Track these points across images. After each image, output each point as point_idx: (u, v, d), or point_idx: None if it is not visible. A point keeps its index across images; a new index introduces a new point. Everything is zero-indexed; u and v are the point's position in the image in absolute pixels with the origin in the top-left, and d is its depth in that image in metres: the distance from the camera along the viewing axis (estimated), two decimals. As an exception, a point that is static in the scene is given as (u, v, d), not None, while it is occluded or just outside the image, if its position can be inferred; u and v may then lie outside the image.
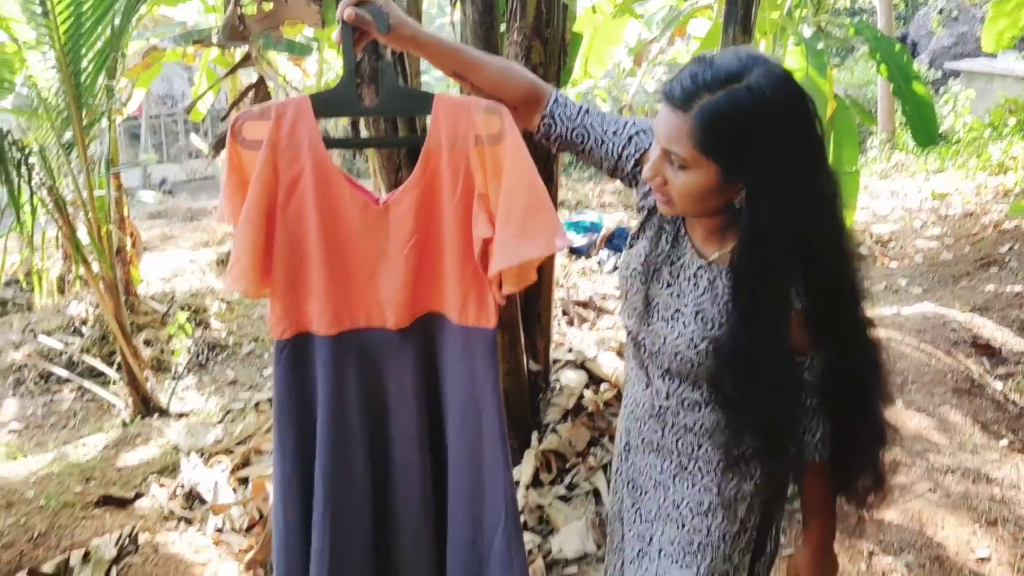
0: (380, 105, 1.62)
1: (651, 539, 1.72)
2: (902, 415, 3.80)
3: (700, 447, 1.59)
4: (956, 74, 14.07)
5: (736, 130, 1.30)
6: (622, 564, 1.81)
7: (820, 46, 6.82)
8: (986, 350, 4.73)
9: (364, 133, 3.10)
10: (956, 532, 2.91)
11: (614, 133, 1.59)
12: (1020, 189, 9.00)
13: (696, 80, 1.31)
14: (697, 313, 1.49)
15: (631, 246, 1.64)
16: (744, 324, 1.39)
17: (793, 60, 6.69)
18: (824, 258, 1.38)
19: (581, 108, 1.61)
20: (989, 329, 5.02)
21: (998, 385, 4.38)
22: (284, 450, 1.66)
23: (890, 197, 10.29)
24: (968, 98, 11.83)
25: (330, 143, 1.61)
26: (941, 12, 17.44)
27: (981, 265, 6.70)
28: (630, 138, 1.57)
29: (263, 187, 1.54)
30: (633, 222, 1.67)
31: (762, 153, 1.30)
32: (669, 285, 1.55)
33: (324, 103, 1.58)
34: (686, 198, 1.39)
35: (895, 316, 5.15)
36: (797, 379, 1.45)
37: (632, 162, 1.57)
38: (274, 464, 1.67)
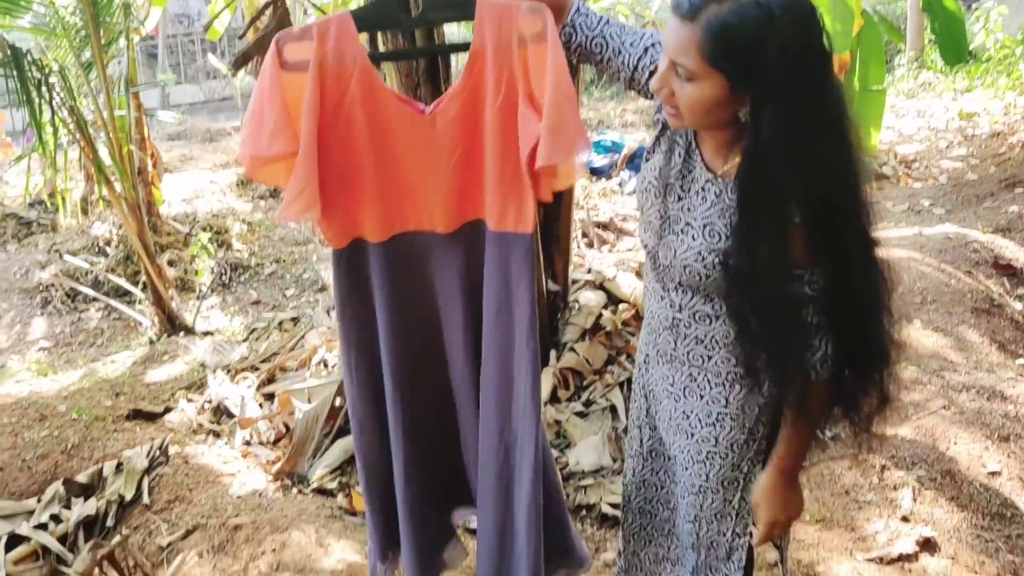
0: (421, 15, 1.62)
1: (668, 445, 1.78)
2: (919, 334, 3.82)
3: (710, 359, 1.62)
4: (989, -11, 13.65)
5: (743, 42, 1.29)
6: (642, 467, 1.88)
7: (848, -40, 6.65)
8: (1007, 270, 4.71)
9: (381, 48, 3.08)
10: (968, 448, 2.95)
11: (631, 44, 1.59)
12: (1050, 108, 8.82)
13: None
14: (705, 226, 1.50)
15: (647, 160, 1.66)
16: (745, 237, 1.40)
17: (820, -26, 6.53)
18: (826, 174, 1.36)
19: (601, 18, 1.62)
20: (1011, 250, 4.98)
21: (1017, 305, 4.37)
22: (348, 343, 1.79)
23: (916, 117, 10.11)
24: (1000, 15, 11.47)
25: (375, 57, 1.61)
26: (976, -76, 16.84)
27: (1006, 186, 6.61)
28: (646, 49, 1.57)
29: (314, 108, 1.54)
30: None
31: (768, 66, 1.29)
32: (680, 199, 1.56)
33: (365, 18, 1.59)
34: (693, 110, 1.39)
35: (917, 236, 5.12)
36: (796, 293, 1.43)
37: (647, 73, 1.56)
38: (340, 354, 1.84)
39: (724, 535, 1.73)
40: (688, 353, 1.64)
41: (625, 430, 2.14)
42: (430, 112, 1.63)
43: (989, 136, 8.57)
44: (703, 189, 1.52)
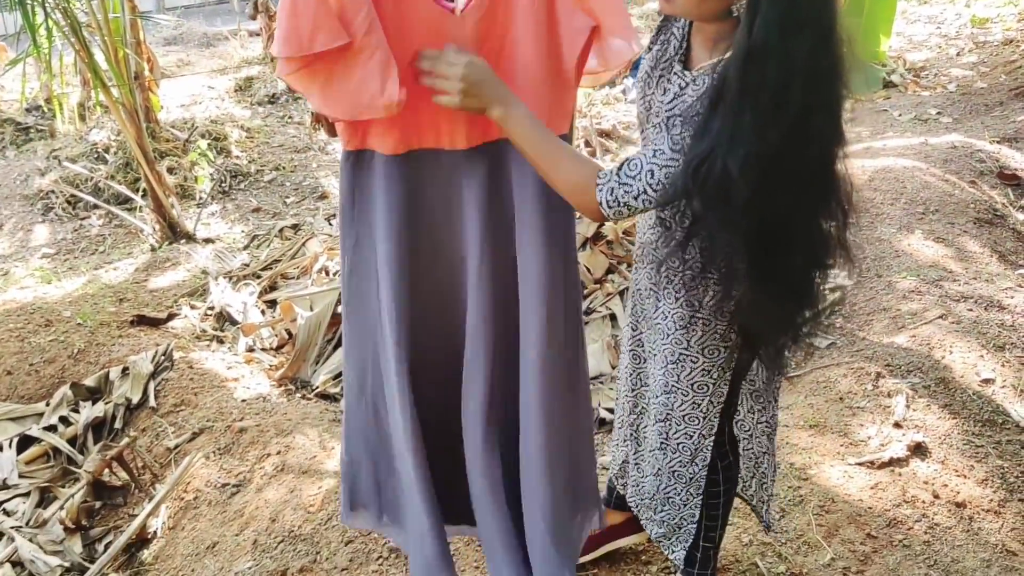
0: None
1: (647, 344, 1.83)
2: (920, 244, 3.82)
3: (685, 261, 1.58)
4: None
5: None
6: (625, 366, 1.94)
7: None
8: (1012, 180, 4.68)
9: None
10: (963, 356, 2.98)
11: None
12: (1065, 14, 8.62)
13: None
14: (670, 119, 1.51)
15: (648, 52, 1.66)
16: (718, 133, 1.34)
17: None
18: (813, 80, 1.32)
19: None
20: (1017, 160, 4.94)
21: (1020, 216, 4.36)
22: (344, 249, 1.74)
23: (927, 23, 9.88)
24: (1019, -85, 11.11)
25: None
26: None
27: (1016, 95, 6.50)
28: None
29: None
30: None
31: None
32: (665, 91, 1.56)
33: None
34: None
35: (922, 145, 5.07)
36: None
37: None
38: (340, 257, 1.78)
39: (691, 437, 1.78)
40: (667, 254, 1.59)
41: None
42: (461, 9, 1.53)
43: (1001, 43, 8.39)
44: (670, 81, 1.54)
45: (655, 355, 1.78)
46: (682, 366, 1.71)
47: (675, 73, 1.55)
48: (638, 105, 1.66)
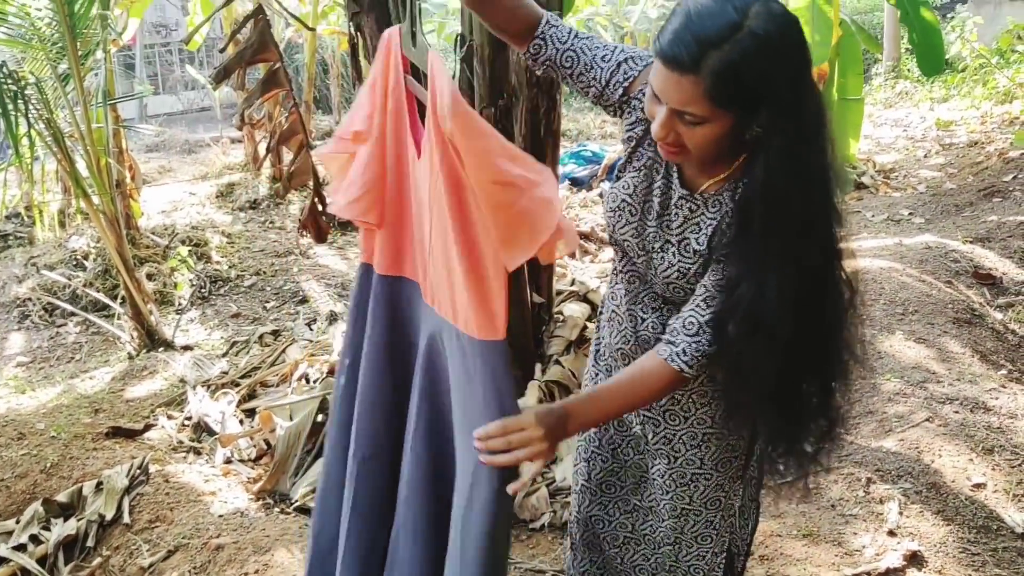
0: (415, 53, 1.53)
1: (647, 468, 1.76)
2: (902, 345, 3.83)
3: (696, 379, 1.55)
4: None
5: (752, 78, 1.29)
6: (589, 503, 1.85)
7: (827, -29, 6.70)
8: (987, 280, 4.74)
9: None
10: (953, 460, 2.95)
11: (603, 59, 1.56)
12: (1026, 117, 8.91)
13: (700, 39, 1.28)
14: (681, 242, 1.51)
15: (619, 178, 1.62)
16: (748, 255, 1.38)
17: (799, -14, 6.57)
18: (827, 186, 1.38)
19: (572, 31, 1.58)
20: (991, 259, 5.02)
21: (998, 315, 4.40)
22: (344, 348, 1.76)
23: (894, 126, 10.20)
24: (976, 24, 11.62)
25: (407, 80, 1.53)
26: (950, -66, 17.03)
27: (984, 195, 6.67)
28: (619, 64, 1.55)
29: (382, 109, 1.53)
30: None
31: (775, 94, 1.31)
32: (660, 216, 1.55)
33: (403, 38, 1.53)
34: (703, 148, 1.38)
35: (897, 246, 5.15)
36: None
37: (620, 89, 1.55)
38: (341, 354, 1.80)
39: (703, 558, 1.72)
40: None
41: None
42: (422, 155, 1.48)
43: (967, 145, 8.65)
44: (676, 205, 1.53)
45: (656, 480, 1.73)
46: (695, 486, 1.67)
47: (682, 198, 1.52)
48: (620, 232, 1.59)
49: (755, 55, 1.28)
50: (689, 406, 1.63)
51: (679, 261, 1.51)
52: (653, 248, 1.55)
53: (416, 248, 1.56)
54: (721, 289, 1.43)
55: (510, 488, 1.39)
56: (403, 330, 1.66)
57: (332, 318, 5.12)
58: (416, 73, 1.54)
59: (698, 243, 1.49)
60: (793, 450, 1.53)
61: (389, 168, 1.56)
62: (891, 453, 3.02)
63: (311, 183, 4.00)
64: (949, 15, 13.19)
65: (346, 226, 7.92)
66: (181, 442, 3.73)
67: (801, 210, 1.36)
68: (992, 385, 3.50)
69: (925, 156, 8.69)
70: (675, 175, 1.53)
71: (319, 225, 3.94)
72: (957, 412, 3.26)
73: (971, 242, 5.30)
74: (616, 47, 1.58)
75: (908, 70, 12.37)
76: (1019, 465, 2.94)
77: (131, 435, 3.78)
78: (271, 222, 7.83)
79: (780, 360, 1.40)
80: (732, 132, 1.36)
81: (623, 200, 1.58)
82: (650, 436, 1.70)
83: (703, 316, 1.44)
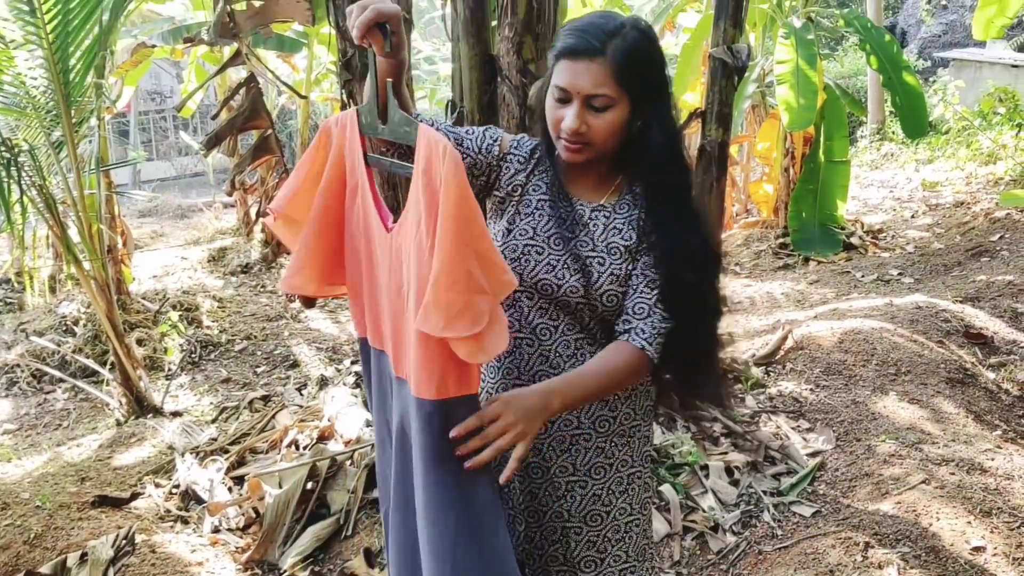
0: (388, 129, 1.56)
1: (564, 546, 1.75)
2: (896, 406, 3.82)
3: (616, 408, 1.71)
4: (945, 63, 14.10)
5: (642, 63, 1.56)
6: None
7: (810, 37, 6.85)
8: (978, 339, 4.75)
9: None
10: (951, 523, 2.92)
11: (467, 134, 1.72)
12: (1010, 178, 9.03)
13: (601, 31, 1.54)
14: (608, 247, 1.65)
15: (509, 231, 1.69)
16: (679, 225, 1.63)
17: (783, 51, 6.70)
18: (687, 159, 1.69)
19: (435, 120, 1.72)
20: (981, 319, 5.03)
21: (991, 375, 4.39)
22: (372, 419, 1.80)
23: (880, 187, 10.32)
24: (958, 87, 11.85)
25: (368, 159, 1.60)
26: (930, 1, 17.48)
27: (972, 254, 6.72)
28: (483, 132, 1.73)
29: (326, 189, 1.60)
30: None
31: (656, 82, 1.60)
32: (580, 234, 1.66)
33: (361, 120, 1.59)
34: (607, 135, 1.58)
35: (887, 306, 5.16)
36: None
37: (496, 148, 1.71)
38: None
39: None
40: (594, 419, 1.70)
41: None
42: (392, 227, 1.53)
43: (953, 205, 8.75)
44: (591, 218, 1.68)
45: (581, 551, 1.71)
46: (629, 536, 1.72)
47: (594, 210, 1.68)
48: (531, 272, 1.66)
49: (640, 44, 1.55)
50: (612, 449, 1.70)
51: (611, 265, 1.64)
52: (577, 268, 1.64)
53: (385, 321, 1.59)
54: (658, 264, 1.62)
55: (501, 478, 1.47)
56: (387, 401, 1.68)
57: (323, 382, 5.09)
58: (385, 148, 1.64)
59: (625, 240, 1.65)
60: (710, 392, 1.78)
61: (360, 243, 1.60)
62: (888, 516, 2.98)
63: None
64: (931, 78, 13.46)
65: (338, 290, 7.92)
66: (168, 511, 3.66)
67: (686, 177, 1.68)
68: (987, 446, 3.48)
69: (912, 216, 8.78)
70: (573, 198, 1.69)
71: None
72: (953, 474, 3.23)
73: (961, 302, 5.32)
74: (473, 127, 1.76)
75: (893, 132, 12.57)
76: (1018, 527, 2.91)
77: (117, 504, 3.71)
78: (262, 286, 7.83)
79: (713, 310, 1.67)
80: (627, 125, 1.59)
81: (526, 246, 1.67)
82: (579, 500, 1.71)
83: (650, 298, 1.61)
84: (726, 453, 3.59)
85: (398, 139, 1.55)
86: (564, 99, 1.56)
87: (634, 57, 1.53)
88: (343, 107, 4.06)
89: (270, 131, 3.89)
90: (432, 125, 1.61)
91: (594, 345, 1.68)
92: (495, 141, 1.71)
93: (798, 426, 3.82)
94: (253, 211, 8.48)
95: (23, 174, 4.48)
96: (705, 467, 3.44)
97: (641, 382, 1.70)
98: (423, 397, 1.44)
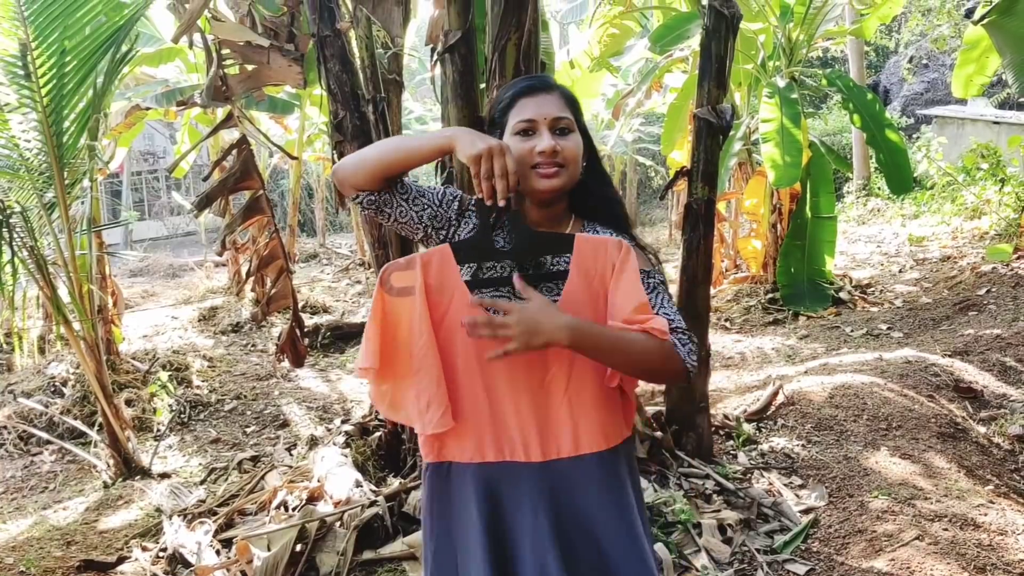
0: (516, 246, 1.69)
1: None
2: (888, 461, 3.81)
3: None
4: (928, 120, 14.34)
5: (575, 105, 1.77)
6: None
7: (794, 96, 6.97)
8: (968, 393, 4.76)
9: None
10: (946, 580, 2.90)
11: (429, 189, 1.82)
12: (995, 232, 9.13)
13: (540, 76, 1.90)
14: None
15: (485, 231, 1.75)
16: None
17: (768, 110, 6.82)
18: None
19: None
20: (970, 373, 5.05)
21: (981, 429, 4.39)
22: (425, 557, 1.85)
23: (868, 242, 10.41)
24: (941, 144, 12.04)
25: (474, 283, 1.71)
26: (911, 60, 17.82)
27: (960, 308, 6.77)
28: (445, 189, 1.83)
29: (428, 325, 1.70)
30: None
31: (586, 128, 1.78)
32: (534, 277, 1.71)
33: (465, 250, 1.71)
34: (575, 158, 1.70)
35: (877, 361, 5.18)
36: None
37: (456, 203, 1.81)
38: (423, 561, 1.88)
39: None
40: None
41: None
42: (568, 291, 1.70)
43: (940, 260, 8.83)
44: (554, 261, 1.75)
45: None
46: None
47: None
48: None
49: (571, 95, 1.79)
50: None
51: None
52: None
53: (516, 426, 1.70)
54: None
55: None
56: (506, 516, 1.71)
57: (312, 442, 5.05)
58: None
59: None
60: None
61: (473, 364, 1.70)
62: (883, 574, 2.96)
63: (290, 307, 4.02)
64: (915, 135, 13.67)
65: (327, 348, 7.91)
66: (155, 575, 3.61)
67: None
68: (980, 501, 3.47)
69: (900, 271, 8.85)
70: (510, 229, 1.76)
71: (297, 349, 3.94)
72: (947, 529, 3.21)
73: (950, 355, 5.34)
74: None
75: (879, 188, 12.73)
76: (1013, 584, 2.89)
77: (104, 568, 3.66)
78: (253, 345, 7.81)
79: None
80: (583, 153, 1.73)
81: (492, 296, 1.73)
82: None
83: (669, 304, 1.72)
84: (719, 510, 3.57)
85: (532, 256, 1.71)
86: (530, 130, 1.69)
87: (573, 99, 1.77)
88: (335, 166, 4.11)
89: (261, 192, 3.93)
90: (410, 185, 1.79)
91: None
92: (455, 198, 1.82)
93: (790, 482, 3.81)
94: (244, 270, 8.49)
95: (14, 235, 4.49)
96: (698, 525, 3.41)
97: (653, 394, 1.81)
98: (598, 449, 1.70)
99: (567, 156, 1.68)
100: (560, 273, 1.69)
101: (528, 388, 1.69)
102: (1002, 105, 14.99)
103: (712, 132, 3.89)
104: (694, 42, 7.57)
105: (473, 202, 1.79)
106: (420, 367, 1.69)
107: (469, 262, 1.72)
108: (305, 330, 4.03)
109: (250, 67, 3.80)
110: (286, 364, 6.75)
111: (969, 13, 13.70)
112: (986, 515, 3.33)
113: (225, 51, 3.73)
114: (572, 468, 1.69)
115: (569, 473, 1.69)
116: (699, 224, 3.95)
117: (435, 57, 3.34)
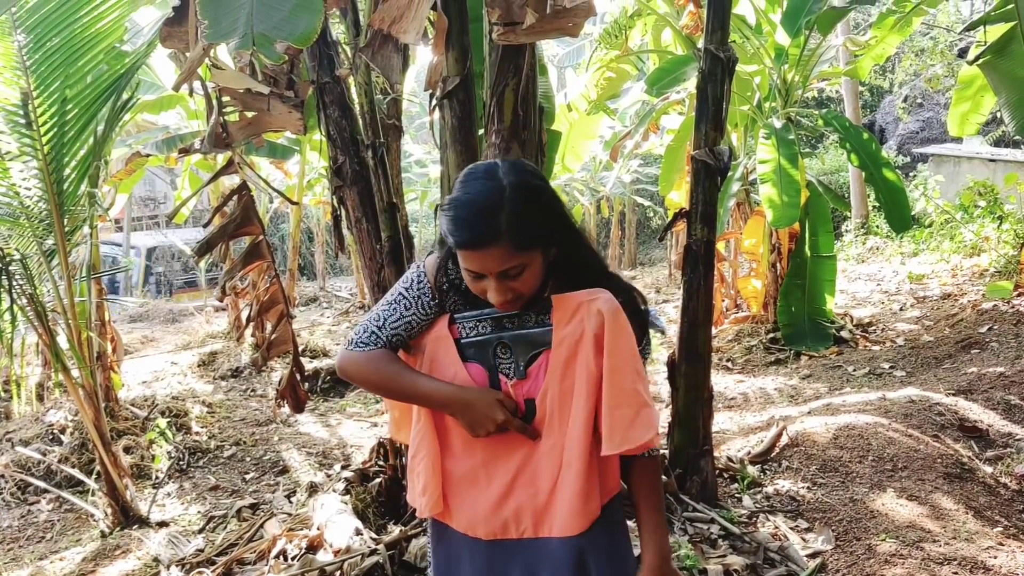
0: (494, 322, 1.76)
1: None
2: (894, 503, 3.77)
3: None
4: (924, 158, 14.43)
5: (537, 218, 1.59)
6: None
7: (790, 137, 7.01)
8: (973, 433, 4.72)
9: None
10: (957, 625, 2.85)
11: (407, 328, 1.80)
12: (995, 269, 9.13)
13: (485, 214, 1.55)
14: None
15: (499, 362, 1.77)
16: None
17: (765, 151, 6.86)
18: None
19: (378, 336, 1.82)
20: (975, 411, 5.01)
21: (988, 468, 4.35)
22: None
23: (868, 281, 10.41)
24: (938, 182, 12.09)
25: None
26: (906, 99, 17.99)
27: (962, 347, 6.74)
28: (413, 301, 1.78)
29: (425, 411, 1.77)
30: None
31: (555, 219, 1.65)
32: (515, 351, 1.75)
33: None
34: (533, 284, 1.65)
35: (881, 400, 5.15)
36: None
37: (430, 295, 1.77)
38: None
39: None
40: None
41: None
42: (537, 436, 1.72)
43: (940, 298, 8.81)
44: (536, 321, 1.74)
45: None
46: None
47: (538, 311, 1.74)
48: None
49: (526, 203, 1.57)
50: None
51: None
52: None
53: (513, 502, 1.72)
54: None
55: None
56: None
57: (312, 489, 5.00)
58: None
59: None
60: None
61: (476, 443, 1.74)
62: (892, 619, 2.91)
63: (291, 352, 4.00)
64: (912, 173, 13.75)
65: (327, 392, 7.87)
66: (152, 627, 3.55)
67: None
68: (989, 543, 3.42)
69: (901, 309, 8.84)
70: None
71: (297, 394, 3.92)
72: (956, 573, 3.16)
73: (954, 394, 5.30)
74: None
75: (877, 226, 12.77)
76: (1025, 629, 2.84)
77: (99, 621, 3.60)
78: (252, 390, 7.77)
79: None
80: (543, 261, 1.64)
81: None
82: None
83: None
84: (724, 556, 3.52)
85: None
86: (479, 275, 1.62)
87: (526, 222, 1.57)
88: (334, 212, 4.11)
89: (261, 237, 3.93)
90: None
91: None
92: (425, 297, 1.78)
93: (796, 525, 3.76)
94: (244, 315, 8.48)
95: (13, 283, 4.49)
96: (704, 571, 3.36)
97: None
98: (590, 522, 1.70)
99: (522, 290, 1.63)
100: (541, 335, 1.71)
101: (520, 465, 1.71)
102: (997, 143, 15.09)
103: (710, 174, 3.90)
104: (690, 84, 7.63)
105: (446, 285, 1.79)
106: (417, 451, 1.75)
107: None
108: (305, 374, 4.01)
109: (250, 114, 3.82)
110: (286, 409, 6.72)
111: (962, 53, 13.86)
112: (996, 557, 3.28)
113: (225, 98, 3.75)
114: (563, 547, 1.70)
115: (561, 552, 1.71)
116: (699, 265, 3.95)
117: (434, 103, 3.36)
